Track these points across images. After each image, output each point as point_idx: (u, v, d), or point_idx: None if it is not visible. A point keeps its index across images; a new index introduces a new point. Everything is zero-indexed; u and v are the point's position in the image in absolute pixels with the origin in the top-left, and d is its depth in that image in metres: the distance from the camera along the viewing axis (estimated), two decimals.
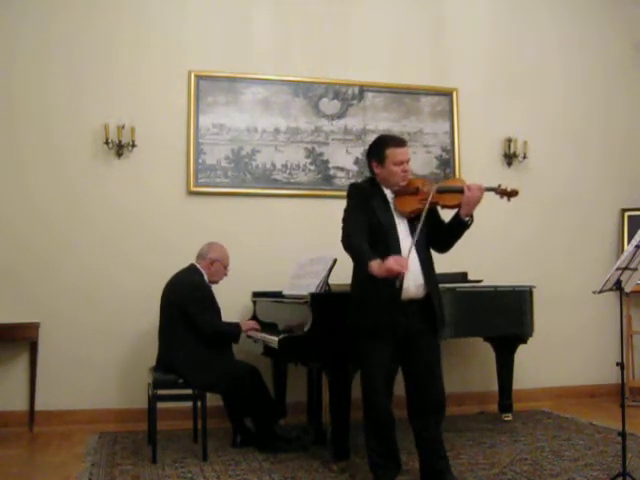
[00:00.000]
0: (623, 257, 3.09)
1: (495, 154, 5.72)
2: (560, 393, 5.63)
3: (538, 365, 5.55)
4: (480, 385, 5.42)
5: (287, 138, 5.30)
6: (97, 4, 5.03)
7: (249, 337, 4.19)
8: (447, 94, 5.64)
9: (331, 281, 3.98)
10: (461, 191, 3.19)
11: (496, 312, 4.59)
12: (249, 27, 5.30)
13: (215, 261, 4.24)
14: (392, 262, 2.89)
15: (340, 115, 5.43)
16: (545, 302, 5.18)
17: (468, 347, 5.39)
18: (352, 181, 5.33)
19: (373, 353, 3.18)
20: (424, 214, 3.07)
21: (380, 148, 3.26)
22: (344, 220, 3.26)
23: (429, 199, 3.11)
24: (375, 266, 2.96)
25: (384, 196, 3.27)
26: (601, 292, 3.17)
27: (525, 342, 4.84)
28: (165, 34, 5.13)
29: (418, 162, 5.44)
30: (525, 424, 4.73)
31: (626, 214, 5.91)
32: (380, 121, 5.47)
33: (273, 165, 5.26)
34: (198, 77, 5.14)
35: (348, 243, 3.16)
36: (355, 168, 5.40)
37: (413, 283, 3.15)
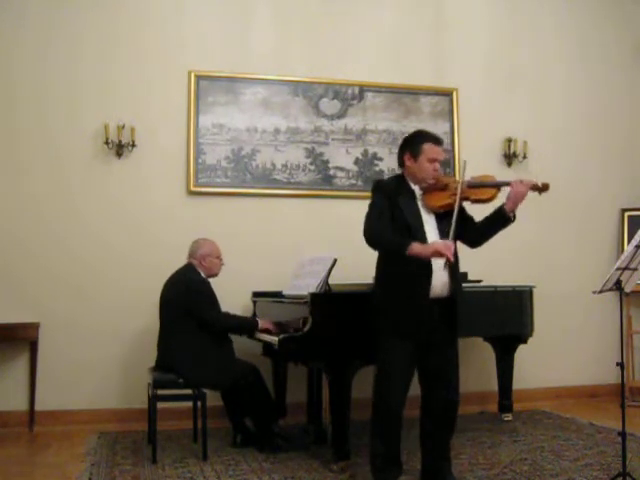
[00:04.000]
0: (623, 257, 3.09)
1: (495, 154, 5.72)
2: (560, 393, 5.63)
3: (538, 365, 5.55)
4: (480, 385, 5.42)
5: (287, 138, 5.30)
6: (97, 4, 5.03)
7: (254, 338, 4.21)
8: (447, 94, 5.64)
9: (331, 281, 3.98)
10: (493, 186, 3.24)
11: (496, 312, 4.58)
12: (249, 27, 5.29)
13: (206, 256, 4.24)
14: (441, 244, 2.97)
15: (340, 115, 5.43)
16: (545, 302, 5.18)
17: (468, 347, 5.39)
18: (352, 181, 5.37)
19: (394, 353, 3.15)
20: (457, 208, 3.10)
21: (417, 142, 3.26)
22: (367, 215, 3.22)
23: (459, 193, 3.14)
24: (419, 247, 2.99)
25: (411, 192, 3.26)
26: (601, 292, 3.17)
27: (525, 342, 4.84)
28: (165, 34, 5.13)
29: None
30: (525, 424, 4.74)
31: (626, 214, 5.91)
32: (380, 121, 5.47)
33: (273, 165, 5.26)
34: (198, 77, 5.14)
35: (374, 234, 3.15)
36: (355, 168, 5.40)
37: (440, 281, 3.13)
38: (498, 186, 3.27)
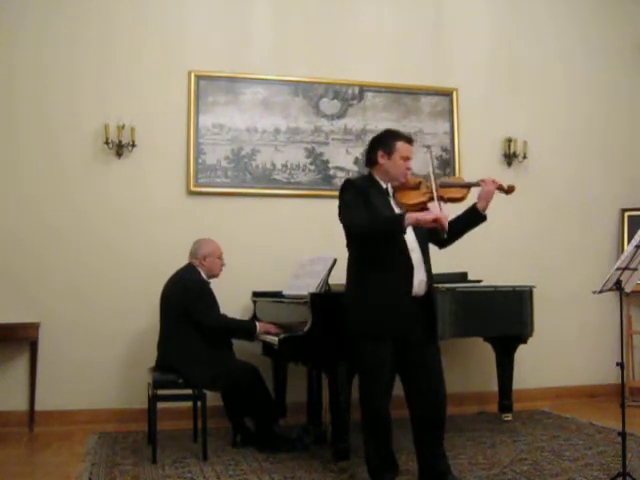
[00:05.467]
0: (623, 257, 3.09)
1: (495, 154, 5.72)
2: (560, 393, 5.63)
3: (538, 365, 5.55)
4: (480, 385, 5.42)
5: (287, 138, 5.30)
6: (97, 4, 5.03)
7: (256, 339, 4.21)
8: (447, 94, 5.64)
9: (331, 281, 3.98)
10: (464, 186, 3.28)
11: (496, 312, 4.58)
12: (249, 27, 5.30)
13: (207, 256, 4.24)
14: (440, 214, 3.00)
15: (340, 115, 5.43)
16: (545, 302, 5.18)
17: (468, 347, 5.39)
18: None
19: (374, 357, 3.14)
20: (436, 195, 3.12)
21: (391, 140, 3.27)
22: (346, 212, 3.18)
23: (435, 192, 3.15)
24: (417, 215, 3.01)
25: (383, 190, 3.26)
26: (601, 292, 3.17)
27: (525, 342, 4.83)
28: (165, 34, 5.13)
29: (418, 162, 5.38)
30: (525, 424, 4.73)
31: (626, 214, 5.91)
32: (380, 121, 5.46)
33: (273, 165, 5.26)
34: (198, 77, 5.14)
35: (364, 224, 3.11)
36: (355, 168, 5.39)
37: (417, 278, 3.13)
38: (469, 186, 3.31)
